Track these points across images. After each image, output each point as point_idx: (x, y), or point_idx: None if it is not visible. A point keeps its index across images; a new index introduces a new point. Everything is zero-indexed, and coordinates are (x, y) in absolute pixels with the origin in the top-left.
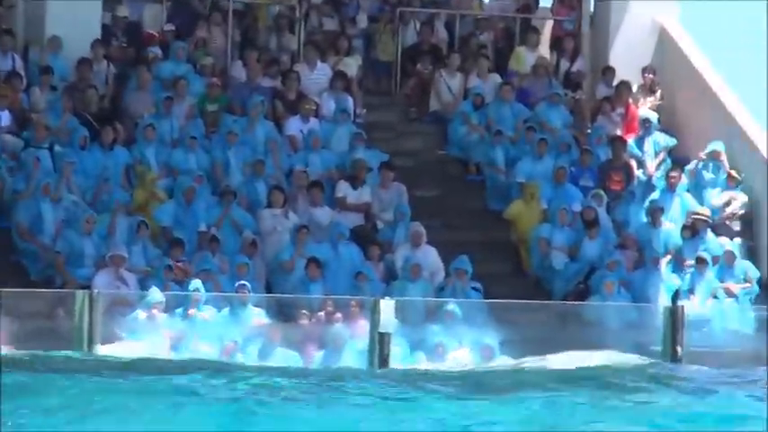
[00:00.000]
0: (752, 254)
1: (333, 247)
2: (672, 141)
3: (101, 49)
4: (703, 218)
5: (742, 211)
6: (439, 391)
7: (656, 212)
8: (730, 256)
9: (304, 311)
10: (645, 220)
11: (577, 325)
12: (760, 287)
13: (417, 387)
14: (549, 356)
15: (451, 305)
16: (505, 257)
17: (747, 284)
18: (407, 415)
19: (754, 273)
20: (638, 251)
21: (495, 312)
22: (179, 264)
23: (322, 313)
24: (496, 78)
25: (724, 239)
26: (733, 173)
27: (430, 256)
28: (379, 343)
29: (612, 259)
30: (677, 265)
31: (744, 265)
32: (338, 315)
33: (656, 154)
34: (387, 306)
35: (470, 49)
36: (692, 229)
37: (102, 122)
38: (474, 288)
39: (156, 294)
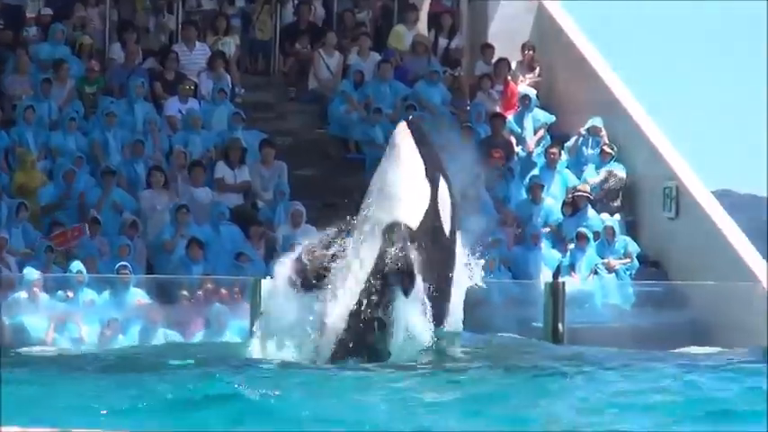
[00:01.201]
0: (631, 229)
1: (213, 227)
2: (550, 118)
3: None
4: (584, 194)
5: (620, 186)
6: None
7: (536, 189)
8: (610, 231)
9: (184, 292)
10: (525, 196)
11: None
12: (640, 262)
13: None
14: None
15: None
16: None
17: (627, 260)
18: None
19: (633, 248)
20: (518, 228)
21: None
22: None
23: (200, 293)
24: (375, 56)
25: (604, 215)
26: (606, 148)
27: (309, 236)
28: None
29: (494, 237)
30: (558, 242)
31: (624, 241)
32: (220, 294)
33: (536, 130)
34: (267, 286)
35: (349, 27)
36: (573, 206)
37: None
38: None
39: (31, 273)
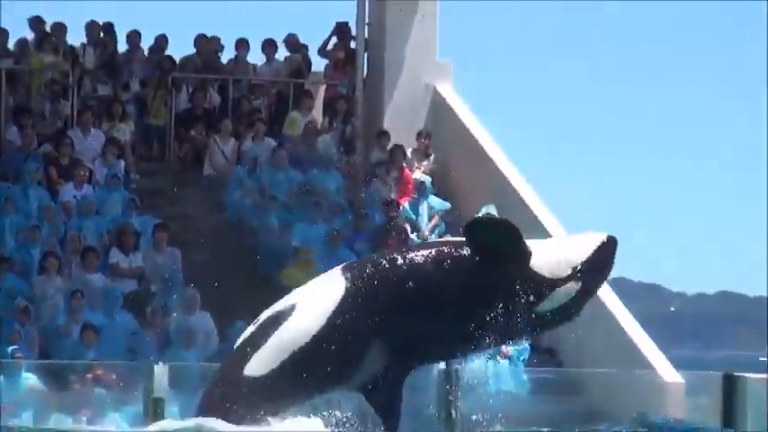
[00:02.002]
0: None
1: (107, 313)
2: (445, 205)
3: None
4: None
5: None
6: None
7: None
8: None
9: (74, 377)
10: None
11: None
12: (533, 349)
13: None
14: None
15: None
16: None
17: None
18: None
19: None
20: None
21: None
22: None
23: (90, 376)
24: (270, 143)
25: None
26: None
27: (203, 322)
28: (153, 408)
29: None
30: None
31: None
32: (110, 378)
33: (431, 217)
34: (160, 372)
35: (244, 113)
36: None
37: None
38: None
39: None
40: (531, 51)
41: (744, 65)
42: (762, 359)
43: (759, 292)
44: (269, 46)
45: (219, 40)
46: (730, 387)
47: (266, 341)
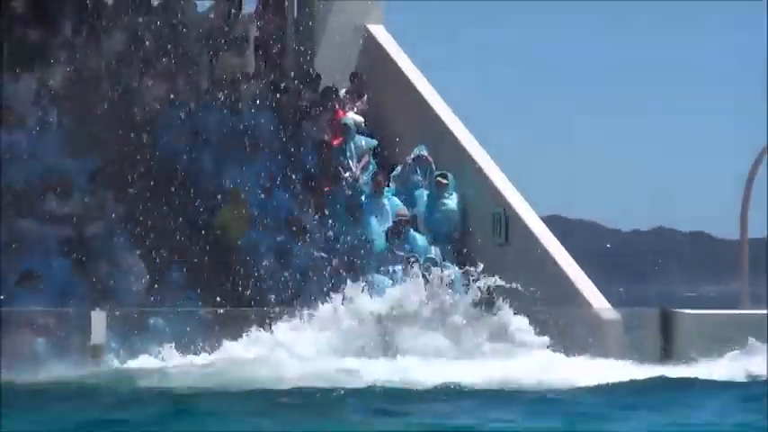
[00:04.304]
0: (461, 256)
1: (43, 259)
2: (373, 143)
3: None
4: (405, 218)
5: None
6: None
7: (355, 214)
8: (432, 262)
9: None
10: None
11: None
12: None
13: None
14: None
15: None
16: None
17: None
18: None
19: (456, 278)
20: (346, 254)
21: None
22: None
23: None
24: (203, 85)
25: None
26: (441, 178)
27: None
28: (92, 354)
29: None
30: (386, 266)
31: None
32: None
33: (360, 157)
34: (97, 318)
35: (174, 56)
36: (397, 230)
37: None
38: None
39: None
40: None
41: None
42: (689, 294)
43: (694, 227)
44: None
45: None
46: (666, 322)
47: None
